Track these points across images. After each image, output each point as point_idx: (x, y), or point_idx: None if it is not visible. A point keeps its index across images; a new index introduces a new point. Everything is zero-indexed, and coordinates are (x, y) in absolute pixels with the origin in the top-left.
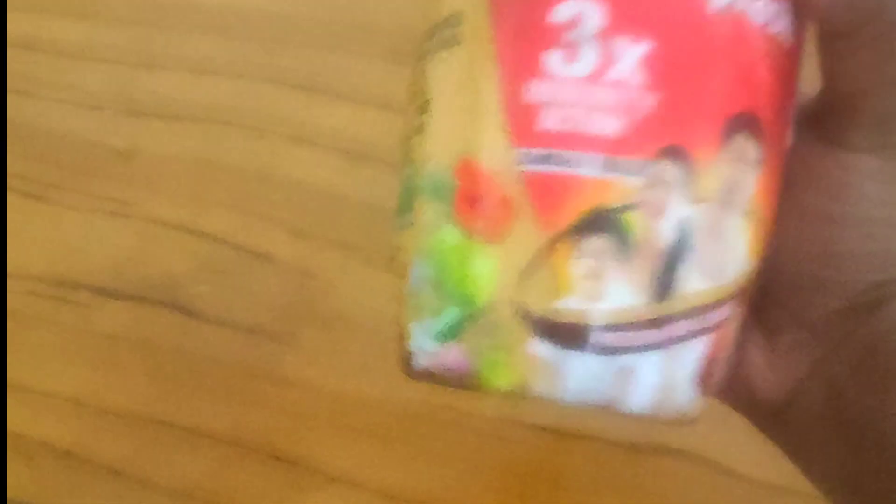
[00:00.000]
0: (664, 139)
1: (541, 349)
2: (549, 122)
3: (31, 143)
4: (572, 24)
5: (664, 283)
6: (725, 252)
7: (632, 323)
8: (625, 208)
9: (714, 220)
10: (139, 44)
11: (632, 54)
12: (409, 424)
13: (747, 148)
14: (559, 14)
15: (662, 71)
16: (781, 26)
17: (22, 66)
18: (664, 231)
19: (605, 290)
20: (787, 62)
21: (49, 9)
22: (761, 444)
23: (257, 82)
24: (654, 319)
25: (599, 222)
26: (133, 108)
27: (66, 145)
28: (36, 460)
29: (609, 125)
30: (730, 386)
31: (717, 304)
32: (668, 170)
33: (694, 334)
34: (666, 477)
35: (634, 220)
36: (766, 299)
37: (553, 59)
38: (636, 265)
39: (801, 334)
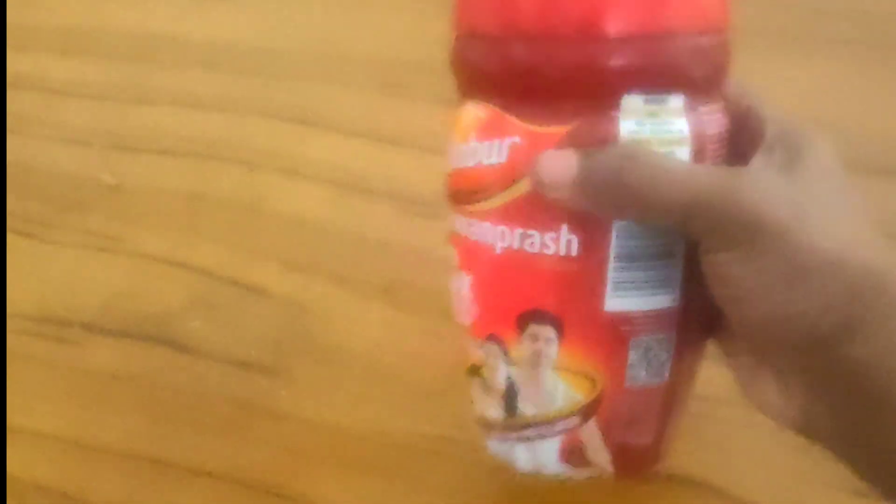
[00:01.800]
0: (486, 331)
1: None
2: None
3: (19, 180)
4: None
5: (508, 408)
6: (545, 392)
7: (502, 426)
8: (479, 366)
9: (528, 374)
10: (128, 79)
11: (465, 282)
12: (408, 458)
13: (541, 331)
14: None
15: (478, 292)
16: (561, 246)
17: (10, 103)
18: (498, 380)
19: (485, 408)
20: (579, 263)
21: (36, 46)
22: (769, 471)
23: (247, 116)
24: (511, 425)
25: (472, 372)
26: (122, 143)
27: (54, 182)
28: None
29: (466, 319)
30: (764, 414)
31: (554, 420)
32: (492, 347)
33: (543, 436)
34: None
35: (484, 372)
36: (764, 351)
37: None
38: (492, 396)
39: (794, 372)
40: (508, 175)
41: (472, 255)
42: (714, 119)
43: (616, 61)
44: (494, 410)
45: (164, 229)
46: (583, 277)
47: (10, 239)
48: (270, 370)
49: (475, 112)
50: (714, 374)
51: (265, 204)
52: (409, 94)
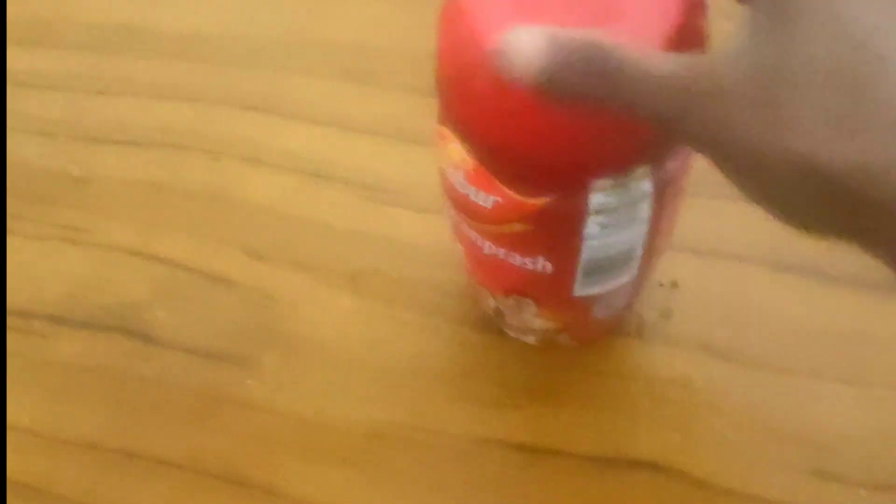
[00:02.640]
0: (478, 282)
1: None
2: None
3: None
4: None
5: (497, 318)
6: (525, 320)
7: (494, 316)
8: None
9: (513, 312)
10: (92, 69)
11: (459, 248)
12: (375, 446)
13: (523, 300)
14: None
15: (469, 262)
16: (538, 266)
17: None
18: (490, 305)
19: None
20: (552, 276)
21: None
22: (729, 453)
23: (211, 105)
24: (500, 320)
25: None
26: (87, 133)
27: (19, 173)
28: None
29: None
30: None
31: (532, 330)
32: (484, 291)
33: (524, 334)
34: (639, 490)
35: (480, 292)
36: None
37: None
38: (487, 306)
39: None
40: (494, 219)
41: (464, 238)
42: (679, 162)
43: (589, 169)
44: (489, 310)
45: (129, 220)
46: (554, 283)
47: None
48: (236, 360)
49: (464, 154)
50: (672, 356)
51: (230, 193)
52: (375, 81)
